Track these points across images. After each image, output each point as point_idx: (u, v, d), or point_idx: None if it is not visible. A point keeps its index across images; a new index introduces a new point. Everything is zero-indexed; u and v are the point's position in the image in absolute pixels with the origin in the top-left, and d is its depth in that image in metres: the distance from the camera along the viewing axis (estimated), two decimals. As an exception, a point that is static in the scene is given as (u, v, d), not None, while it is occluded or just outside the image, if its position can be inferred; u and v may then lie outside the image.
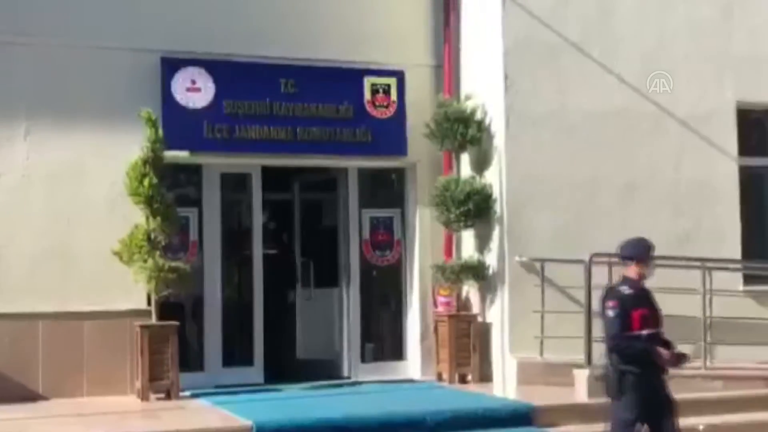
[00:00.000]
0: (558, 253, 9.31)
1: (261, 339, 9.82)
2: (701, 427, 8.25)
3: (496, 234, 9.73)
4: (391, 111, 10.11)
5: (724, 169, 10.23)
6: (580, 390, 8.65)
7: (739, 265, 10.11)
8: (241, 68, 9.59)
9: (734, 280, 10.04)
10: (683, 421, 8.27)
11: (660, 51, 10.10)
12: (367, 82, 10.04)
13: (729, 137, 10.30)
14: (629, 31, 10.05)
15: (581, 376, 8.67)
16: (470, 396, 8.93)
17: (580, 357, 8.76)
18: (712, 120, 10.22)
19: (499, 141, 9.74)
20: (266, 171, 9.97)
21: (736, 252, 10.09)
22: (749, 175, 10.47)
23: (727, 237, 10.09)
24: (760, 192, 10.64)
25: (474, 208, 9.67)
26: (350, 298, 10.10)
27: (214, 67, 9.51)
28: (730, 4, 10.38)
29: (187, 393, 8.96)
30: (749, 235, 10.27)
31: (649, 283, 8.96)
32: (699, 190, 10.11)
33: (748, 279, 10.21)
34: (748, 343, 9.37)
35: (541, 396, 8.64)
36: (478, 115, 9.87)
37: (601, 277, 8.87)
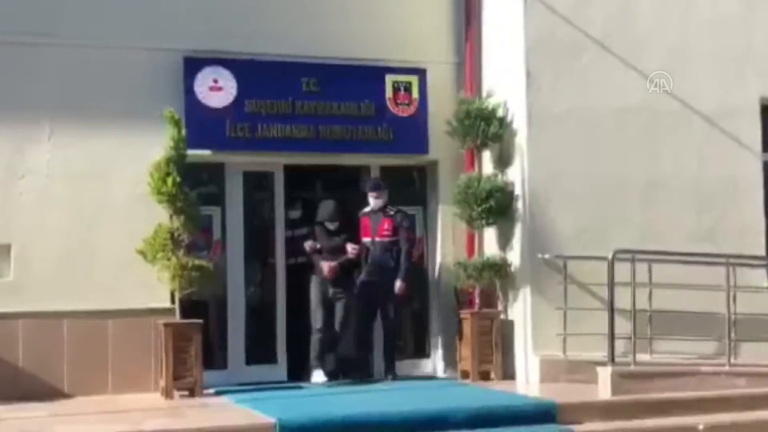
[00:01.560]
0: (580, 251, 9.28)
1: (284, 336, 9.85)
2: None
3: (518, 231, 9.71)
4: (412, 109, 10.11)
5: (748, 166, 10.17)
6: (603, 387, 8.63)
7: (763, 262, 10.04)
8: (263, 67, 9.62)
9: (759, 277, 9.97)
10: (709, 418, 8.34)
11: (683, 47, 10.04)
12: (389, 80, 10.05)
13: (753, 133, 10.23)
14: (652, 28, 9.99)
15: (605, 373, 8.64)
16: (493, 393, 8.92)
17: (604, 354, 8.73)
18: (736, 116, 10.15)
19: (521, 138, 9.72)
20: (289, 169, 10.01)
21: (760, 248, 10.03)
22: (774, 172, 10.41)
23: (751, 233, 10.02)
24: (784, 188, 10.56)
25: (496, 206, 9.66)
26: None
27: (236, 67, 9.55)
28: (752, -1, 10.32)
29: (211, 390, 9.01)
30: (774, 232, 10.21)
31: (676, 280, 9.06)
32: (723, 187, 10.06)
33: (773, 276, 10.15)
34: (773, 340, 9.34)
35: (564, 393, 8.62)
36: (500, 113, 9.86)
37: (624, 274, 8.88)
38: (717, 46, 10.14)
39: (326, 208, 9.74)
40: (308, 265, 9.79)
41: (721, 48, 10.15)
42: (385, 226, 9.77)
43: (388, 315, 9.82)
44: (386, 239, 9.76)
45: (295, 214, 10.62)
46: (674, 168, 9.96)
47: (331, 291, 9.60)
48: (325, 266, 9.54)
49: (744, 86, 10.17)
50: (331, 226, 9.70)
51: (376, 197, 9.79)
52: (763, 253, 10.05)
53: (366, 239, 9.79)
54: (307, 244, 9.68)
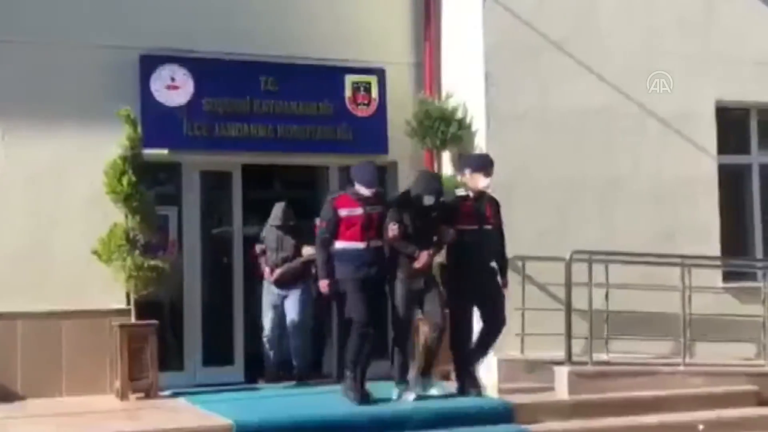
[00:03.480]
0: (541, 251, 9.30)
1: (241, 338, 9.79)
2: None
3: (477, 232, 9.70)
4: (371, 109, 10.09)
5: (704, 167, 10.28)
6: (560, 387, 8.66)
7: (718, 263, 10.15)
8: (221, 66, 9.55)
9: (714, 277, 10.08)
10: (665, 417, 8.41)
11: (642, 50, 10.11)
12: (348, 80, 10.02)
13: (709, 136, 10.34)
14: (611, 31, 10.06)
15: (561, 373, 8.68)
16: (452, 394, 8.91)
17: (562, 354, 8.76)
18: (693, 119, 10.26)
19: (480, 139, 9.73)
20: (247, 169, 9.94)
21: (715, 249, 10.14)
22: (728, 173, 10.51)
23: (707, 234, 10.12)
24: (739, 190, 10.69)
25: (455, 206, 9.65)
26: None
27: (194, 65, 9.46)
28: (712, 3, 10.41)
29: (167, 392, 8.92)
30: (728, 233, 10.31)
31: (632, 280, 9.13)
32: (680, 188, 10.15)
33: (728, 276, 10.26)
34: (728, 339, 9.41)
35: (523, 394, 8.64)
36: (459, 113, 9.87)
37: (582, 274, 8.92)
38: (675, 50, 10.22)
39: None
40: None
41: (679, 51, 10.23)
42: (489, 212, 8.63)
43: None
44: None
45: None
46: (632, 169, 10.04)
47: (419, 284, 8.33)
48: (424, 255, 8.26)
49: (701, 89, 10.27)
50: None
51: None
52: (718, 253, 10.15)
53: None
54: (394, 228, 8.16)
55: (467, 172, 8.67)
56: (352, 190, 8.41)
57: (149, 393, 8.73)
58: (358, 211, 8.28)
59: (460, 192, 8.65)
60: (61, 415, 8.15)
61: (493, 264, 8.60)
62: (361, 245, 8.22)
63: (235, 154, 9.72)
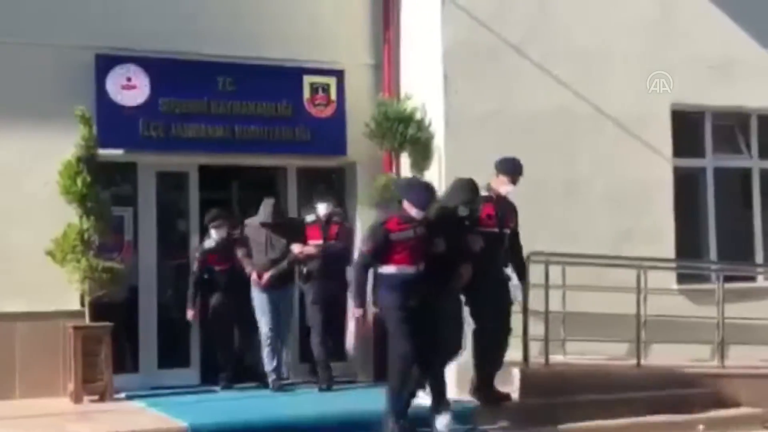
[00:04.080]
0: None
1: (197, 340, 9.72)
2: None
3: (436, 234, 9.72)
4: (330, 110, 10.07)
5: (660, 170, 10.36)
6: (516, 389, 8.69)
7: (673, 265, 10.24)
8: (177, 66, 9.47)
9: (669, 279, 10.17)
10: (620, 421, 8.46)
11: (599, 53, 10.17)
12: (307, 81, 9.99)
13: (664, 138, 10.43)
14: (569, 34, 10.10)
15: (518, 374, 8.71)
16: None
17: (518, 356, 8.80)
18: (649, 121, 10.34)
19: (439, 141, 9.75)
20: (204, 170, 9.88)
21: (670, 251, 10.23)
22: (683, 176, 10.62)
23: (662, 236, 10.21)
24: (693, 192, 10.79)
25: (414, 208, 9.65)
26: (287, 299, 9.99)
27: (150, 65, 9.38)
28: (668, 7, 10.50)
29: (122, 395, 8.85)
30: (683, 235, 10.41)
31: (589, 282, 9.18)
32: (636, 191, 10.22)
33: (682, 278, 10.36)
34: (682, 341, 9.50)
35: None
36: (418, 115, 9.87)
37: (539, 275, 8.96)
38: (632, 53, 10.30)
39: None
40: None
41: (635, 54, 10.31)
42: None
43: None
44: None
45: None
46: (589, 171, 10.10)
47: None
48: (468, 268, 8.00)
49: (657, 92, 10.35)
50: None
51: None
52: (673, 255, 10.25)
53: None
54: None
55: (499, 174, 8.45)
56: (401, 212, 7.90)
57: (104, 396, 8.66)
58: (409, 233, 7.75)
59: (484, 193, 8.38)
60: (14, 417, 8.04)
61: (508, 270, 8.36)
62: (411, 270, 7.71)
63: (192, 154, 9.65)
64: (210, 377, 9.59)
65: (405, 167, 10.03)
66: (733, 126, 11.04)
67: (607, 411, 8.61)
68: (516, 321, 8.80)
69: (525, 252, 8.77)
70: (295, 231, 9.50)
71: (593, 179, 10.08)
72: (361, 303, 7.78)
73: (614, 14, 10.29)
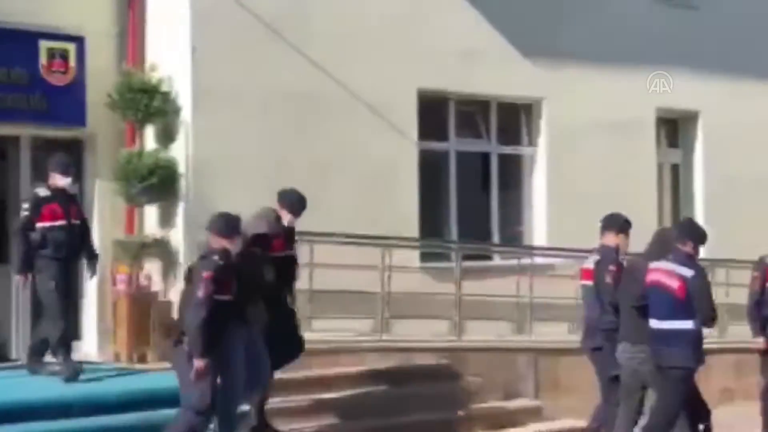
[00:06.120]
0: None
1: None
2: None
3: (181, 210, 9.46)
4: (69, 78, 9.52)
5: (406, 153, 10.62)
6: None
7: (416, 243, 10.51)
8: None
9: (412, 258, 10.43)
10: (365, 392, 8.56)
11: (350, 36, 10.24)
12: (43, 46, 9.40)
13: (411, 122, 10.68)
14: (321, 15, 10.10)
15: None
16: (153, 377, 8.57)
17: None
18: (396, 105, 10.55)
19: (186, 115, 9.50)
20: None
21: (414, 231, 10.50)
22: (428, 159, 10.92)
23: (407, 216, 10.45)
24: (437, 175, 11.13)
25: (159, 183, 9.34)
26: None
27: None
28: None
29: None
30: (427, 215, 10.72)
31: (333, 260, 9.22)
32: (384, 172, 10.41)
33: (425, 256, 10.66)
34: (423, 316, 9.77)
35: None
36: (164, 87, 9.54)
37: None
38: (382, 38, 10.45)
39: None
40: None
41: (385, 40, 10.47)
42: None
43: None
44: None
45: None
46: (342, 152, 10.17)
47: None
48: None
49: (404, 77, 10.56)
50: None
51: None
52: (417, 234, 10.51)
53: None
54: None
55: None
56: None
57: None
58: None
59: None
60: None
61: None
62: None
63: None
64: None
65: (150, 141, 9.66)
66: (474, 112, 11.49)
67: (354, 384, 8.69)
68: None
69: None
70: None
71: (344, 160, 10.16)
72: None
73: (368, 2, 10.37)
